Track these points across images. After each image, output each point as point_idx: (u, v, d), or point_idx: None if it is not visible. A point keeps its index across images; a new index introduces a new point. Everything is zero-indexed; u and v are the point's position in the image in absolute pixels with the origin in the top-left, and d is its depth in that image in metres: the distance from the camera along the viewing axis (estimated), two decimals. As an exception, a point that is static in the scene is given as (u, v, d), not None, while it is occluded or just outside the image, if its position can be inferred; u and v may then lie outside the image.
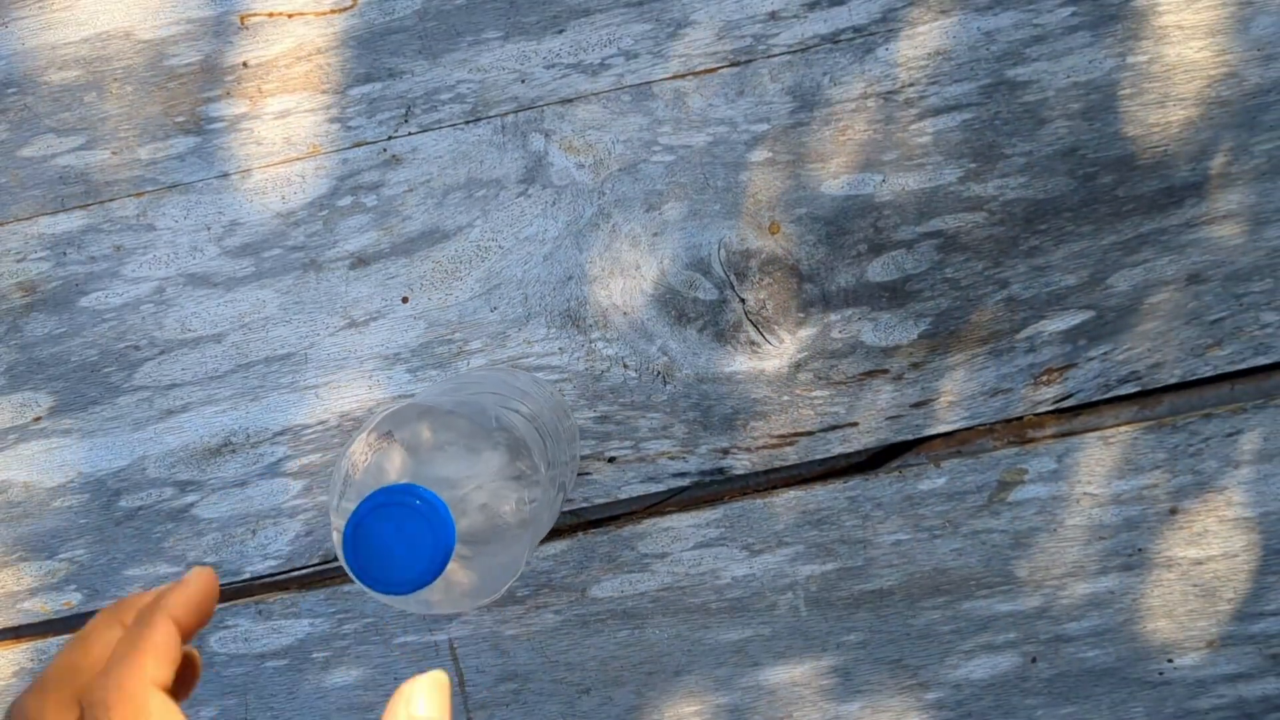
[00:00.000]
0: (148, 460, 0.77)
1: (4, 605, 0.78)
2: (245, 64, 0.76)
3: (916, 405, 0.75)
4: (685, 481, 0.75)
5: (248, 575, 0.77)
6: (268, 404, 0.76)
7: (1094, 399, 0.75)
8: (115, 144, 0.76)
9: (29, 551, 0.77)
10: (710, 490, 0.76)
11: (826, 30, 0.74)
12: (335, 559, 0.77)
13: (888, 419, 0.75)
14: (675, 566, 0.76)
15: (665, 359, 0.74)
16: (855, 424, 0.75)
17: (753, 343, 0.74)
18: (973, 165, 0.74)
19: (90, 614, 0.77)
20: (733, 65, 0.74)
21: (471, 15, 0.75)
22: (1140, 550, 0.75)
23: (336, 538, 0.45)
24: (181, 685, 0.44)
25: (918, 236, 0.74)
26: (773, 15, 0.74)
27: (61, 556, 0.77)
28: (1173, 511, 0.75)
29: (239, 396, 0.76)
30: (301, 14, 0.75)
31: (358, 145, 0.76)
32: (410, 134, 0.75)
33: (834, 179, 0.74)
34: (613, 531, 0.76)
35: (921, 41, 0.74)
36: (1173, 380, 0.75)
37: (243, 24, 0.76)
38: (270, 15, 0.76)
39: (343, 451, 0.53)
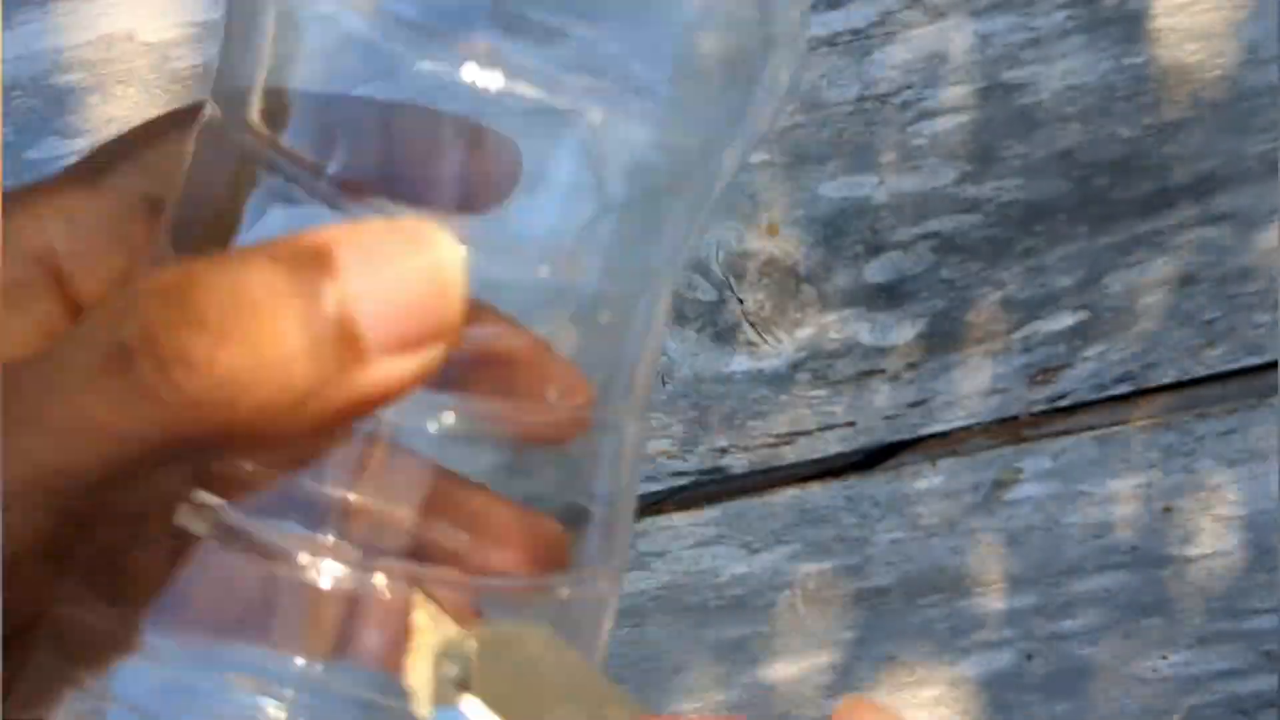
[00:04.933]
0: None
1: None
2: (248, 67, 0.76)
3: (913, 405, 0.75)
4: (684, 480, 0.76)
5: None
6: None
7: (1089, 399, 0.75)
8: (119, 146, 0.76)
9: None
10: (708, 489, 0.77)
11: (824, 33, 0.75)
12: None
13: (885, 418, 0.75)
14: (674, 565, 0.76)
15: (664, 359, 0.75)
16: (852, 423, 0.76)
17: (751, 343, 0.75)
18: (968, 167, 0.74)
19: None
20: (731, 68, 0.75)
21: (472, 18, 0.76)
22: (1134, 548, 0.76)
23: None
24: None
25: (914, 238, 0.74)
26: (771, 19, 0.75)
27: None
28: (1166, 510, 0.75)
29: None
30: (304, 17, 0.76)
31: (359, 147, 0.76)
32: (411, 136, 0.76)
33: (831, 181, 0.75)
34: (612, 530, 0.76)
35: (918, 45, 0.74)
36: (1167, 380, 0.75)
37: (245, 27, 0.76)
38: (273, 18, 0.76)
39: None
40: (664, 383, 0.75)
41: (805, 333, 0.75)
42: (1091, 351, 0.75)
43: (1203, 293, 0.75)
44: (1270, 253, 0.74)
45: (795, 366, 0.75)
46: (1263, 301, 0.75)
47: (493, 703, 0.21)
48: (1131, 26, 0.74)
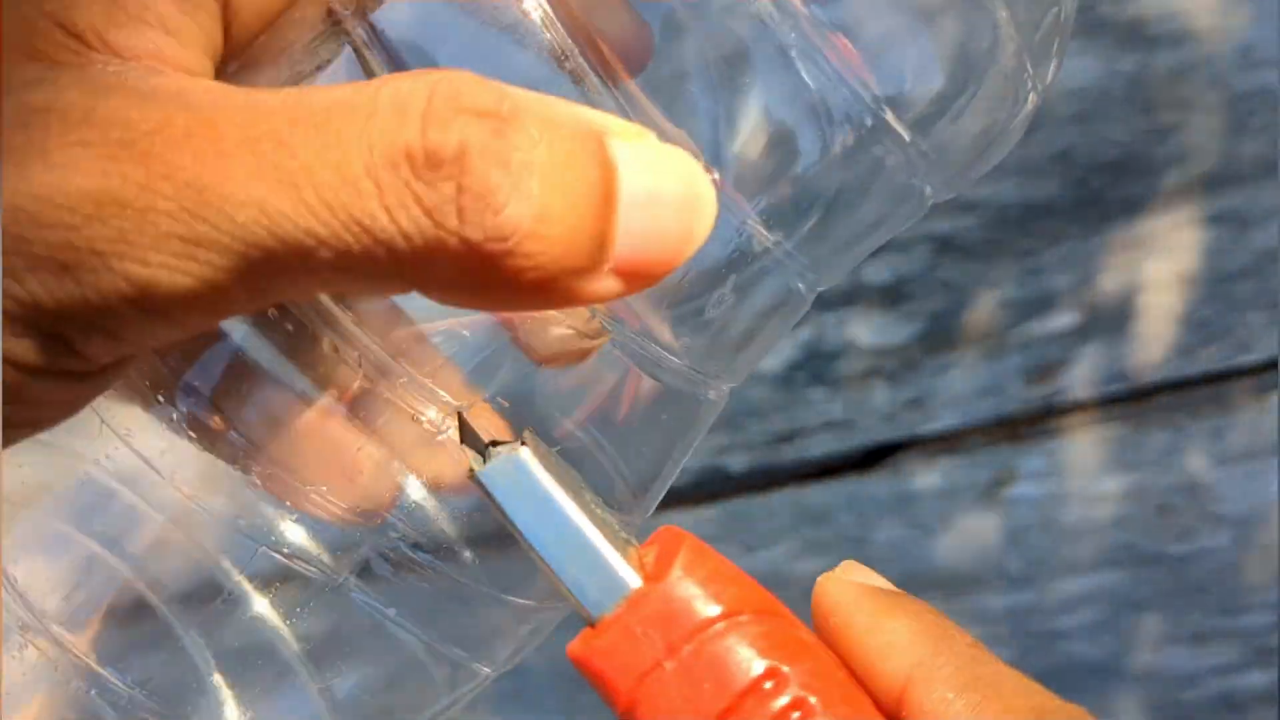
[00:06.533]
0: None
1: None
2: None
3: (911, 404, 0.76)
4: (683, 479, 0.76)
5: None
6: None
7: (1085, 398, 0.76)
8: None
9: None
10: (708, 488, 0.77)
11: (822, 35, 0.75)
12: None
13: (883, 418, 0.76)
14: (673, 563, 0.76)
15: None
16: (851, 423, 0.76)
17: (750, 343, 0.75)
18: (966, 168, 0.75)
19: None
20: (730, 70, 0.75)
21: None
22: (1129, 546, 0.76)
23: None
24: None
25: (912, 239, 0.75)
26: (770, 21, 0.75)
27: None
28: (1161, 508, 0.76)
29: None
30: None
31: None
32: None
33: (830, 182, 0.75)
34: (612, 529, 0.76)
35: (916, 47, 0.75)
36: (1161, 379, 0.76)
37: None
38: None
39: None
40: (664, 382, 0.75)
41: (804, 333, 0.75)
42: (1087, 351, 0.76)
43: (1198, 292, 0.75)
44: (1265, 253, 0.75)
45: (794, 366, 0.75)
46: (1257, 301, 0.75)
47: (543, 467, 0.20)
48: (1128, 29, 0.74)
